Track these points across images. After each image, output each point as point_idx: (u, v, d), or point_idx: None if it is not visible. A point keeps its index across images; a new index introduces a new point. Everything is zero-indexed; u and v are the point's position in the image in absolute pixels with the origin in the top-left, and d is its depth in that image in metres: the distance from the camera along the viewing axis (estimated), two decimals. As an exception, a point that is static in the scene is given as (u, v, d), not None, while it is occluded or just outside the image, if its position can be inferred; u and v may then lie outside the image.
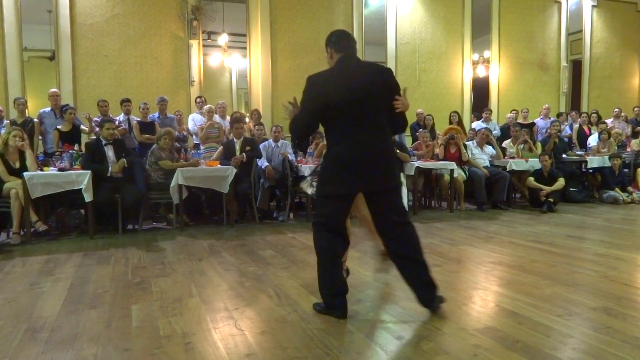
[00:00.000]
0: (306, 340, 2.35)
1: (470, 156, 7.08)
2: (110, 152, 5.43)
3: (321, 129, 2.75)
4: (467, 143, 7.30)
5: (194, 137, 7.18)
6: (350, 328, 2.51)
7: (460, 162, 6.95)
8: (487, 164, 7.23)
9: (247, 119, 7.80)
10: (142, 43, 8.00)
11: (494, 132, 8.25)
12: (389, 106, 2.62)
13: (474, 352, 2.20)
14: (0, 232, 5.28)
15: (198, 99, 7.53)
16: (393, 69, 2.79)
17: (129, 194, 5.25)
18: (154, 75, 8.09)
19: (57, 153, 5.56)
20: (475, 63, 10.33)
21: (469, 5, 10.03)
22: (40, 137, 6.52)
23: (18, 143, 5.05)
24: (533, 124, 8.83)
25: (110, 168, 5.29)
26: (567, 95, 11.11)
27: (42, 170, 5.13)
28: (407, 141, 7.60)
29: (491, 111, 9.19)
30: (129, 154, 5.63)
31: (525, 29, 10.59)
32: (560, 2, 10.88)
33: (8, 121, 6.26)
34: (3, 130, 5.52)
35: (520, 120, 8.72)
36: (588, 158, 7.98)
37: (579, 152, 8.37)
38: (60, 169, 5.12)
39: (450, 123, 8.08)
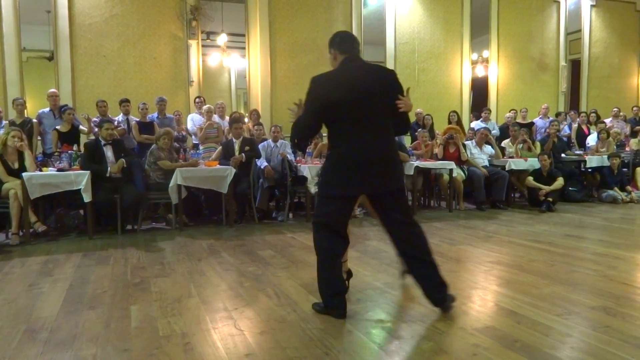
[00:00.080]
0: (305, 340, 2.35)
1: (469, 156, 7.08)
2: (109, 152, 5.43)
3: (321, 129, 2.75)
4: (466, 143, 7.30)
5: (193, 137, 7.17)
6: (350, 328, 2.51)
7: (460, 162, 6.96)
8: (486, 163, 7.23)
9: (246, 119, 7.80)
10: (141, 43, 7.99)
11: (493, 132, 8.26)
12: (393, 107, 2.62)
13: (473, 351, 2.20)
14: (-1, 233, 5.28)
15: (197, 99, 7.53)
16: (392, 69, 2.79)
17: (128, 194, 5.25)
18: (153, 76, 8.09)
19: (56, 153, 5.56)
20: (474, 63, 10.33)
21: (467, 5, 10.03)
22: (39, 138, 6.51)
23: (17, 143, 5.05)
24: (532, 123, 8.84)
25: (109, 168, 5.29)
26: (566, 94, 11.12)
27: (41, 170, 5.12)
28: (406, 141, 7.60)
29: (490, 111, 9.20)
30: (128, 154, 5.63)
31: (524, 28, 10.60)
32: (559, 2, 10.89)
33: (7, 122, 6.25)
34: (2, 131, 5.50)
35: (519, 120, 8.72)
36: (587, 157, 7.99)
37: (577, 152, 8.38)
38: (59, 170, 5.11)
39: (449, 123, 8.08)
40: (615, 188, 7.54)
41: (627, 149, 8.53)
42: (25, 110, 6.62)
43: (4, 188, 4.89)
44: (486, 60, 10.38)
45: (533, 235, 4.99)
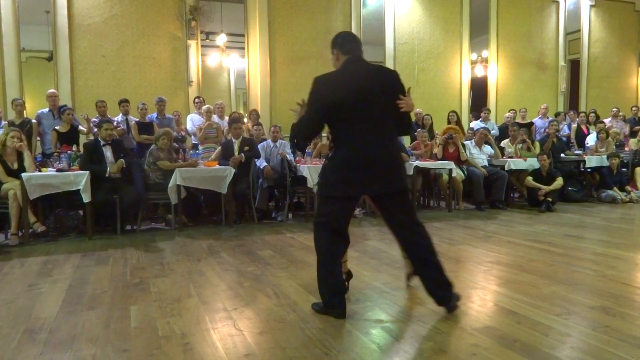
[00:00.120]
0: (305, 340, 2.35)
1: (468, 156, 7.09)
2: (108, 152, 5.42)
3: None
4: (465, 143, 7.31)
5: (192, 137, 7.17)
6: (349, 328, 2.51)
7: (459, 162, 6.96)
8: (486, 163, 7.24)
9: (245, 119, 7.80)
10: (140, 43, 7.99)
11: (492, 132, 8.26)
12: (395, 108, 2.62)
13: (472, 351, 2.20)
14: (-1, 233, 5.28)
15: (196, 99, 7.53)
16: (394, 69, 2.80)
17: (127, 195, 5.24)
18: (152, 76, 8.08)
19: (56, 154, 5.55)
20: (473, 63, 10.33)
21: (467, 5, 10.03)
22: (38, 138, 6.51)
23: (16, 144, 5.04)
24: (531, 123, 8.84)
25: (108, 169, 5.28)
26: (565, 94, 11.12)
27: (40, 171, 5.12)
28: (406, 141, 7.61)
29: (489, 111, 9.20)
30: (127, 154, 5.63)
31: (524, 28, 10.60)
32: (558, 2, 10.89)
33: (6, 122, 6.24)
34: (1, 131, 5.50)
35: (518, 120, 8.73)
36: (586, 157, 7.99)
37: (577, 152, 8.38)
38: (59, 170, 5.11)
39: (449, 123, 8.08)
40: (615, 188, 7.54)
41: (626, 149, 8.54)
42: (25, 111, 6.61)
43: (3, 188, 4.89)
44: (485, 60, 10.38)
45: (532, 235, 4.99)
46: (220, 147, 6.27)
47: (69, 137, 6.13)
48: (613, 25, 11.39)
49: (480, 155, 7.24)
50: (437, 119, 8.53)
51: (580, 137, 8.89)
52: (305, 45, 8.79)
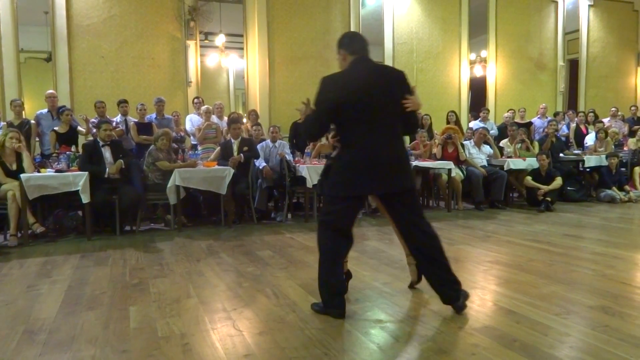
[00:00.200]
0: (304, 340, 2.35)
1: (467, 156, 7.09)
2: (107, 153, 5.42)
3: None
4: (464, 142, 7.31)
5: (191, 137, 7.17)
6: (349, 328, 2.51)
7: (458, 162, 6.96)
8: (485, 163, 7.24)
9: (244, 120, 7.79)
10: (139, 44, 7.98)
11: (491, 132, 8.26)
12: (402, 107, 2.63)
13: (472, 351, 2.20)
14: (-2, 234, 5.27)
15: (195, 100, 7.52)
16: (401, 69, 2.80)
17: (126, 195, 5.24)
18: (151, 76, 8.08)
19: (54, 154, 5.55)
20: (472, 62, 10.34)
21: (465, 4, 10.03)
22: (37, 139, 6.51)
23: (15, 145, 5.04)
24: (530, 123, 8.85)
25: (107, 169, 5.28)
26: (564, 94, 11.13)
27: (39, 171, 5.11)
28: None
29: (488, 110, 9.20)
30: (126, 155, 5.62)
31: (522, 28, 10.61)
32: (556, 2, 10.90)
33: (5, 123, 6.24)
34: (0, 132, 5.50)
35: (517, 120, 8.73)
36: (585, 157, 7.99)
37: (576, 152, 8.39)
38: (58, 171, 5.11)
39: (448, 123, 8.08)
40: (614, 187, 7.54)
41: (625, 148, 8.54)
42: (23, 112, 6.60)
43: (2, 189, 4.88)
44: (484, 60, 10.38)
45: (532, 234, 5.00)
46: (219, 148, 6.27)
47: (68, 137, 6.13)
48: (612, 25, 11.40)
49: (479, 155, 7.24)
50: (436, 119, 8.53)
51: (579, 136, 8.90)
52: (304, 45, 8.79)
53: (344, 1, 9.09)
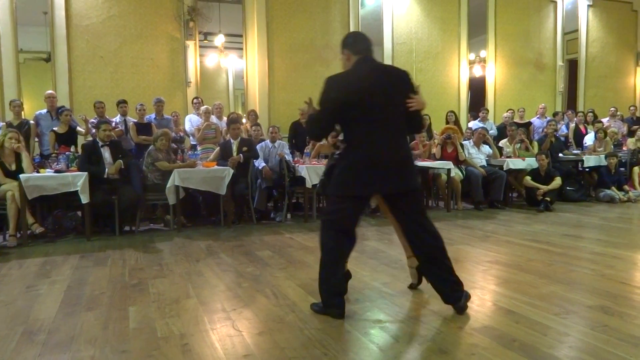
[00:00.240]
0: (304, 341, 2.35)
1: (467, 156, 7.09)
2: (106, 153, 5.42)
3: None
4: (464, 142, 7.31)
5: (190, 138, 7.17)
6: (348, 328, 2.51)
7: (457, 162, 6.96)
8: (484, 163, 7.24)
9: (243, 120, 7.79)
10: (138, 44, 7.98)
11: (490, 132, 8.27)
12: (406, 107, 2.63)
13: (471, 351, 2.20)
14: (-3, 235, 5.27)
15: (195, 100, 7.52)
16: (405, 69, 2.81)
17: (125, 196, 5.24)
18: (151, 77, 8.07)
19: (54, 155, 5.54)
20: (471, 63, 10.34)
21: (465, 5, 10.04)
22: (36, 139, 6.50)
23: (14, 145, 5.03)
24: (529, 123, 8.85)
25: (106, 169, 5.28)
26: (563, 94, 11.14)
27: (38, 172, 5.11)
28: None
29: (488, 110, 9.21)
30: (125, 155, 5.62)
31: (522, 28, 10.62)
32: (556, 2, 10.91)
33: (4, 123, 6.23)
34: (-1, 133, 5.50)
35: (516, 120, 8.74)
36: (584, 157, 8.00)
37: (575, 151, 8.40)
38: (57, 171, 5.10)
39: (447, 123, 8.08)
40: (613, 187, 7.55)
41: (624, 148, 8.55)
42: (22, 112, 6.59)
43: (1, 190, 4.88)
44: (483, 60, 10.39)
45: (531, 234, 5.00)
46: (218, 148, 6.27)
47: (67, 138, 6.12)
48: (611, 25, 11.41)
49: (478, 155, 7.24)
50: (435, 119, 8.53)
51: (579, 136, 8.91)
52: (303, 45, 8.79)
53: (343, 1, 9.10)
